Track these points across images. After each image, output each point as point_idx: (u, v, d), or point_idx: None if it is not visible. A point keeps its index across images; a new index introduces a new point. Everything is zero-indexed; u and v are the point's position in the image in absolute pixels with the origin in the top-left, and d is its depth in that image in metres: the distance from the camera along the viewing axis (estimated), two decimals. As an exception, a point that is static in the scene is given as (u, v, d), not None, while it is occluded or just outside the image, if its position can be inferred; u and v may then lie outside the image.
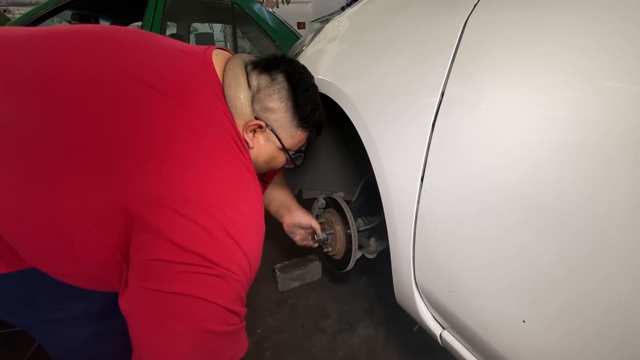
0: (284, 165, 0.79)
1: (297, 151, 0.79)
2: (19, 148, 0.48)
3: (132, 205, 0.47)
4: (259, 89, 0.66)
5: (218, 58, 0.67)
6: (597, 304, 0.39)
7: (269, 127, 0.68)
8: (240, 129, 0.64)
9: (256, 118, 0.66)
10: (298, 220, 1.08)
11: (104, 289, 0.57)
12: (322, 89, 0.86)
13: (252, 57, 0.72)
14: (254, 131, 0.67)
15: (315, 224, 1.10)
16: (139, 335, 0.50)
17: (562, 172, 0.41)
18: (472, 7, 0.57)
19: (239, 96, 0.63)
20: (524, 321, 0.47)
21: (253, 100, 0.66)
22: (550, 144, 0.43)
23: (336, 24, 1.08)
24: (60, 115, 0.49)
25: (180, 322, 0.49)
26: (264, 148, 0.69)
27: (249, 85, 0.66)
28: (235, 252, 0.52)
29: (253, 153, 0.67)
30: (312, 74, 0.77)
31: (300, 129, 0.72)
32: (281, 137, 0.70)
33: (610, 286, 0.38)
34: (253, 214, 0.57)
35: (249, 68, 0.68)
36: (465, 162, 0.54)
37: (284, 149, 0.72)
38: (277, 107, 0.67)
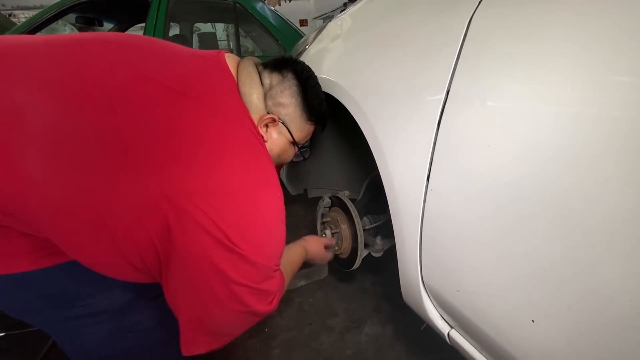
0: (292, 159, 0.84)
1: (302, 146, 0.83)
2: (61, 148, 0.51)
3: (171, 198, 0.51)
4: (271, 86, 0.71)
5: (230, 60, 0.71)
6: (608, 303, 0.38)
7: (280, 121, 0.72)
8: (255, 123, 0.68)
9: (269, 113, 0.70)
10: None
11: (141, 279, 0.60)
12: (325, 88, 0.86)
13: (259, 60, 0.76)
14: (267, 126, 0.71)
15: None
16: (183, 311, 0.58)
17: (570, 169, 0.41)
18: (478, 2, 0.56)
19: (254, 93, 0.68)
20: (533, 320, 0.46)
21: (266, 97, 0.70)
22: (558, 141, 0.42)
23: (339, 22, 1.07)
24: (97, 118, 0.52)
25: (219, 305, 0.56)
26: (276, 141, 0.74)
27: (262, 83, 0.70)
28: (263, 240, 0.58)
29: (267, 146, 0.71)
30: (316, 72, 0.80)
31: (309, 122, 0.77)
32: (292, 130, 0.74)
33: (620, 286, 0.37)
34: (276, 200, 0.62)
35: (260, 68, 0.73)
36: (471, 161, 0.53)
37: (294, 142, 0.77)
38: (289, 102, 0.72)
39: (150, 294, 0.74)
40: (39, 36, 0.65)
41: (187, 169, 0.53)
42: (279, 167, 1.14)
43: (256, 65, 0.73)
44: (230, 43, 6.09)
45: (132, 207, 0.51)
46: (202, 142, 0.55)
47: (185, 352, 0.59)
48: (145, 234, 0.52)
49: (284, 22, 2.95)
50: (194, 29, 3.88)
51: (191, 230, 0.52)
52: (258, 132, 0.67)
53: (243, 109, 0.65)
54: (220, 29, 5.99)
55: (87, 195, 0.50)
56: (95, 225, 0.51)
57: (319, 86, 0.79)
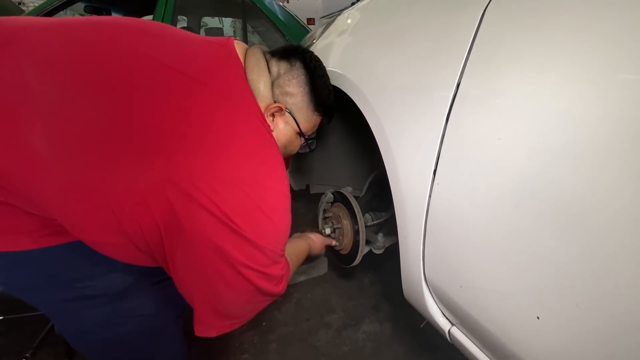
0: (298, 151, 0.83)
1: (309, 137, 0.82)
2: (69, 128, 0.51)
3: (176, 182, 0.51)
4: (279, 75, 0.71)
5: (239, 46, 0.71)
6: (618, 301, 0.37)
7: (287, 111, 0.71)
8: (262, 111, 0.67)
9: (275, 102, 0.70)
10: None
11: (144, 261, 0.61)
12: (333, 80, 0.85)
13: (267, 48, 0.76)
14: (273, 115, 0.70)
15: None
16: (194, 292, 0.58)
17: (582, 166, 0.40)
18: (490, -3, 0.55)
19: (261, 80, 0.67)
20: (538, 318, 0.46)
21: (273, 85, 0.70)
22: (571, 138, 0.41)
23: (347, 16, 1.07)
24: (106, 100, 0.53)
25: (226, 286, 0.56)
26: (282, 131, 0.73)
27: (269, 71, 0.70)
28: (268, 227, 0.58)
29: (273, 136, 0.70)
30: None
31: (316, 113, 0.76)
32: (299, 120, 0.74)
33: (632, 284, 0.36)
34: (282, 188, 0.62)
35: (268, 56, 0.72)
36: (479, 156, 0.53)
37: (300, 132, 0.76)
38: (296, 92, 0.71)
39: (150, 281, 0.74)
40: (51, 18, 0.65)
41: (193, 154, 0.53)
42: (286, 159, 1.13)
43: (264, 53, 0.72)
44: (237, 38, 6.07)
45: (137, 189, 0.51)
46: (210, 127, 0.55)
47: (198, 333, 0.60)
48: (150, 216, 0.52)
49: (291, 18, 2.94)
50: (201, 23, 3.88)
51: (196, 214, 0.52)
52: (265, 120, 0.66)
53: (250, 96, 0.65)
54: (227, 25, 5.98)
55: (93, 175, 0.51)
56: (100, 205, 0.51)
57: (327, 77, 0.78)
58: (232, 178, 0.54)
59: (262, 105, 0.67)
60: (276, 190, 0.60)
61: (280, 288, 0.65)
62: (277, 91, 0.70)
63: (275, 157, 0.63)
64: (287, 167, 1.16)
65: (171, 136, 0.53)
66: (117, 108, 0.53)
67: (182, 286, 0.58)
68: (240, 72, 0.66)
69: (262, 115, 0.66)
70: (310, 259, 1.05)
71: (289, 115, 0.72)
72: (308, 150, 0.85)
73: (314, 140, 0.85)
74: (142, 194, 0.51)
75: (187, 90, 0.56)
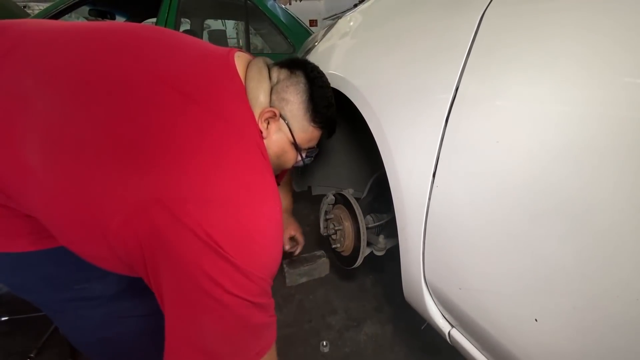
0: (293, 165, 0.79)
1: (308, 152, 0.79)
2: (61, 140, 0.50)
3: (164, 202, 0.49)
4: (278, 81, 0.70)
5: (240, 60, 0.70)
6: (614, 303, 0.38)
7: (282, 118, 0.69)
8: (256, 118, 0.65)
9: (271, 107, 0.68)
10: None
11: (128, 273, 0.60)
12: (334, 83, 0.86)
13: (272, 61, 0.75)
14: (268, 121, 0.68)
15: (300, 238, 1.30)
16: (171, 322, 0.53)
17: (579, 169, 0.40)
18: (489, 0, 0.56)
19: (261, 87, 0.67)
20: (536, 319, 0.46)
21: (272, 91, 0.69)
22: (568, 140, 0.42)
23: (348, 19, 1.07)
24: (101, 114, 0.52)
25: (210, 315, 0.51)
26: (275, 140, 0.70)
27: (270, 78, 0.69)
28: (259, 253, 0.55)
29: (265, 144, 0.68)
30: (324, 69, 0.78)
31: (313, 124, 0.73)
32: (293, 128, 0.71)
33: (628, 285, 0.37)
34: (274, 214, 0.59)
35: (271, 65, 0.72)
36: (478, 159, 0.53)
37: (294, 142, 0.72)
38: (293, 99, 0.70)
39: (145, 283, 0.74)
40: (55, 23, 0.64)
41: (184, 174, 0.51)
42: (280, 172, 1.06)
43: (267, 65, 0.72)
44: (240, 41, 6.12)
45: (124, 206, 0.49)
46: (203, 148, 0.53)
47: None
48: (134, 234, 0.50)
49: (294, 20, 2.96)
50: (204, 25, 3.91)
51: (183, 236, 0.49)
52: (262, 141, 0.64)
53: (249, 116, 0.63)
54: (230, 27, 6.02)
55: (81, 189, 0.50)
56: (87, 219, 0.51)
57: (329, 89, 0.76)
58: (221, 201, 0.52)
59: (257, 112, 0.65)
60: (267, 215, 0.57)
61: (273, 319, 0.60)
62: (274, 97, 0.68)
63: (267, 181, 0.60)
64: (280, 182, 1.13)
65: (163, 156, 0.51)
66: (111, 124, 0.52)
67: (164, 310, 0.54)
68: (239, 90, 0.64)
69: (260, 135, 0.64)
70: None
71: (283, 122, 0.70)
72: (301, 164, 0.80)
73: (311, 158, 0.81)
74: (129, 210, 0.49)
75: (181, 109, 0.55)
